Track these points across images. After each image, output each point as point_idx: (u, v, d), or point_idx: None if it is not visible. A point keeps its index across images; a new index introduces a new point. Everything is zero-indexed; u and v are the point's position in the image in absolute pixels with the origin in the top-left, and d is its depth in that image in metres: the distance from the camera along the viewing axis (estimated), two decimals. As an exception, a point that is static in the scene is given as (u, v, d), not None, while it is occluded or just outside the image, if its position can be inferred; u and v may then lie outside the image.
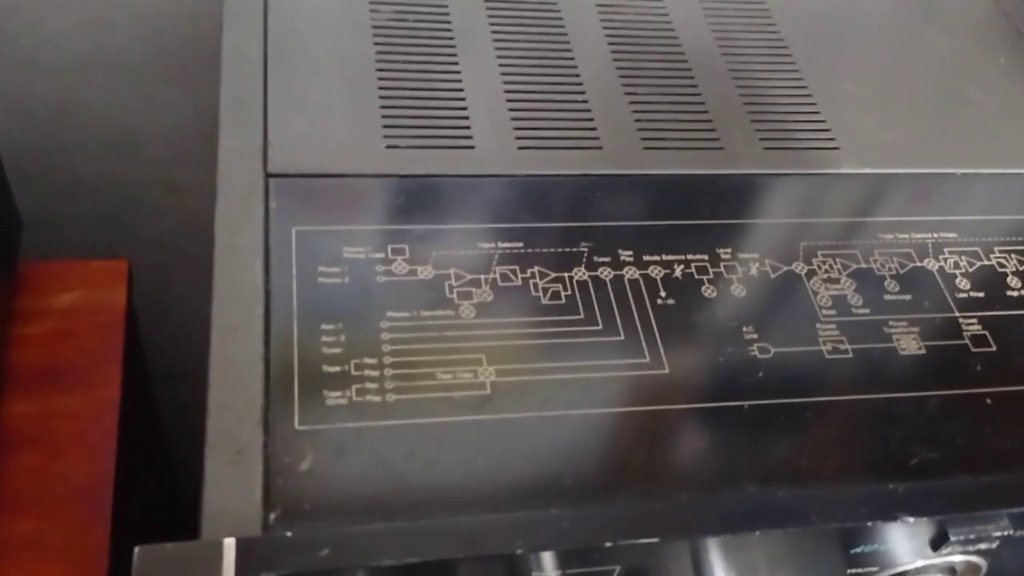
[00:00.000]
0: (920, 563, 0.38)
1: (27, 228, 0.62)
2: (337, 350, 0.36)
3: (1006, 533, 0.36)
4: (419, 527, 0.31)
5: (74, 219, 0.74)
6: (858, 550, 0.36)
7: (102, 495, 0.53)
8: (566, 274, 0.40)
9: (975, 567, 0.39)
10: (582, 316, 0.38)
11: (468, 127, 0.45)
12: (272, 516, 0.31)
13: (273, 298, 0.37)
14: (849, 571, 0.37)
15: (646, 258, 0.41)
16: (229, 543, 0.30)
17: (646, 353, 0.38)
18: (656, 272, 0.40)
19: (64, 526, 0.53)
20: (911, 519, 0.34)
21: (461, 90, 0.46)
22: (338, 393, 0.34)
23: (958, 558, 0.38)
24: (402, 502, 0.32)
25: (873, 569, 0.37)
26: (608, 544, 0.32)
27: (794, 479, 0.35)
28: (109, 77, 0.68)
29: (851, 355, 0.39)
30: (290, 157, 0.42)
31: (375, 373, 0.35)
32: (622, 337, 0.38)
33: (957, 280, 0.42)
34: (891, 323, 0.40)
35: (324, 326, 0.36)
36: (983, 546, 0.37)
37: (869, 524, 0.34)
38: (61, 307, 0.62)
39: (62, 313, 0.62)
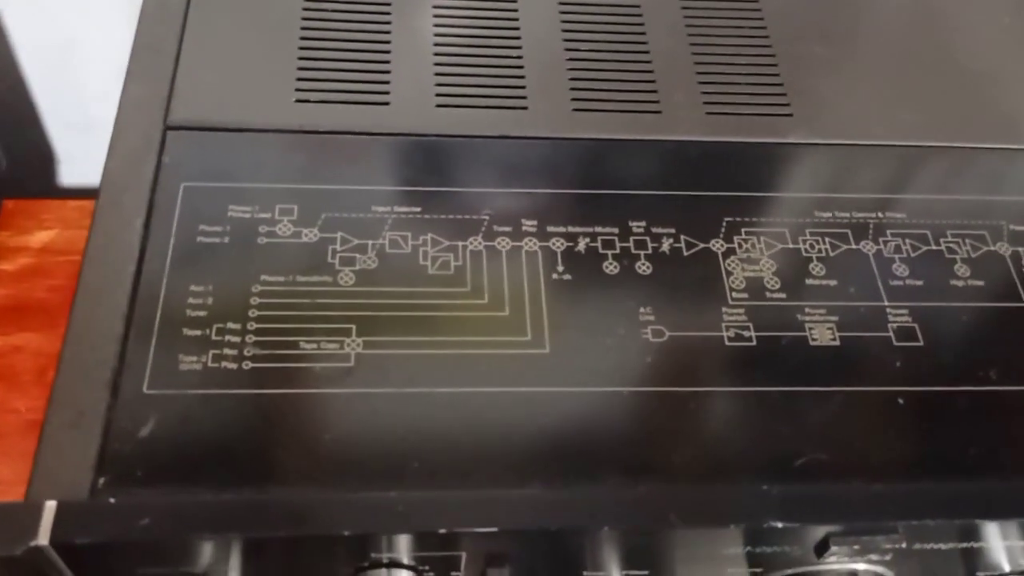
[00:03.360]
0: (813, 568, 0.35)
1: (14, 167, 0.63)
2: (201, 313, 0.35)
3: (899, 545, 0.33)
4: (246, 501, 0.31)
5: (57, 159, 0.75)
6: (734, 551, 0.34)
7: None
8: (460, 243, 0.38)
9: (879, 576, 0.37)
10: (468, 289, 0.37)
11: (387, 82, 0.43)
12: (101, 481, 0.31)
13: (147, 257, 0.36)
14: (729, 570, 0.35)
15: (550, 229, 0.39)
16: (50, 505, 0.30)
17: (528, 331, 0.36)
18: (558, 245, 0.38)
19: (16, 460, 0.54)
20: (779, 524, 0.32)
21: (388, 42, 0.44)
22: (193, 358, 0.34)
23: (861, 566, 0.36)
24: (238, 475, 0.31)
25: (758, 570, 0.35)
26: (442, 531, 0.31)
27: (662, 475, 0.33)
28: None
29: (754, 343, 0.36)
30: (193, 109, 0.41)
31: (236, 339, 0.34)
32: (506, 313, 0.36)
33: (894, 266, 0.39)
34: (807, 310, 0.37)
35: (193, 287, 0.35)
36: (875, 556, 0.34)
37: (732, 528, 0.32)
38: (36, 245, 0.63)
39: (37, 251, 0.63)
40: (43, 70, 0.74)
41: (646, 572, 0.35)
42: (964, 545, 0.35)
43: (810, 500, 0.32)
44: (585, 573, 0.35)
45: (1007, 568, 0.38)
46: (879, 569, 0.36)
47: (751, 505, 0.32)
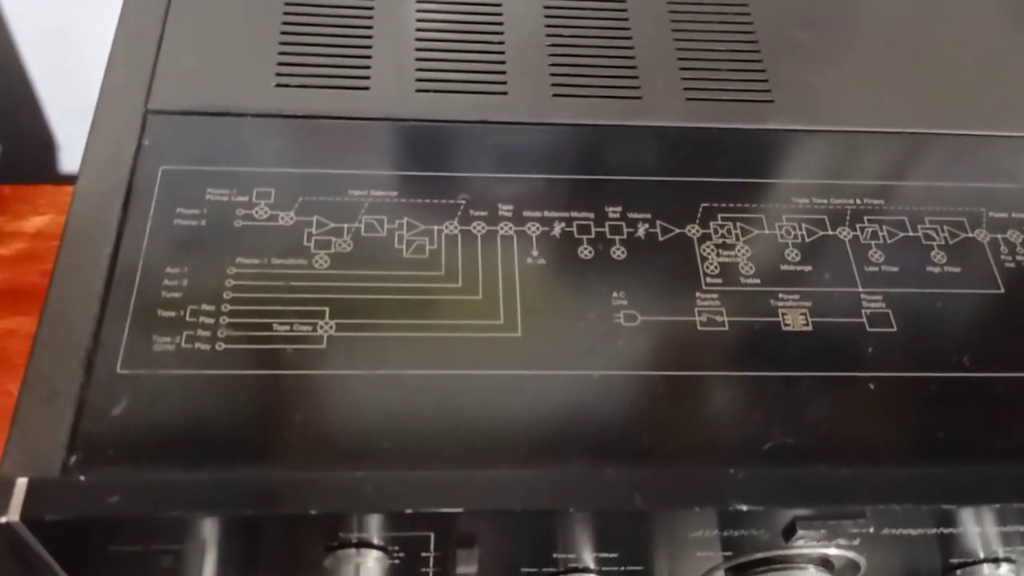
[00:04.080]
0: (782, 552, 0.36)
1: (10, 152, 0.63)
2: (176, 295, 0.35)
3: (866, 530, 0.33)
4: (215, 480, 0.31)
5: (56, 145, 0.76)
6: (701, 534, 0.34)
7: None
8: (436, 227, 0.38)
9: (852, 563, 0.37)
10: (443, 272, 0.37)
11: (368, 67, 0.43)
12: (73, 459, 0.31)
13: (125, 239, 0.36)
14: (698, 553, 0.35)
15: (526, 214, 0.39)
16: (21, 482, 0.30)
17: (501, 315, 0.36)
18: (533, 229, 0.38)
19: (9, 442, 0.55)
20: (744, 508, 0.32)
21: (370, 27, 0.44)
22: (167, 339, 0.34)
23: (832, 551, 0.36)
24: (208, 454, 0.32)
25: (727, 553, 0.35)
26: (408, 511, 0.31)
27: (629, 457, 0.33)
28: None
29: (726, 328, 0.36)
30: (174, 93, 0.41)
31: (210, 320, 0.35)
32: (480, 296, 0.36)
33: (871, 252, 0.39)
34: (781, 296, 0.37)
35: (169, 269, 0.36)
36: (844, 541, 0.35)
37: (697, 510, 0.32)
38: (31, 230, 0.64)
39: (31, 236, 0.63)
40: (40, 55, 0.74)
41: (615, 555, 0.35)
42: (934, 531, 0.35)
43: (776, 484, 0.33)
44: (555, 555, 0.35)
45: (981, 555, 0.38)
46: (850, 554, 0.36)
47: (716, 488, 0.32)
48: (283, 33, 0.44)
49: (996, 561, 0.38)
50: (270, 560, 0.35)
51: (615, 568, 0.36)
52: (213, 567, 0.34)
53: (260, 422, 0.33)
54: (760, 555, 0.36)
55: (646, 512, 0.32)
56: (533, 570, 0.36)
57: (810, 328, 0.37)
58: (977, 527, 0.35)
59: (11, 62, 0.73)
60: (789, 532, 0.33)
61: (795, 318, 0.37)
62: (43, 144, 0.75)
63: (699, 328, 0.36)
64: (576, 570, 0.36)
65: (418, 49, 0.44)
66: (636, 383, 0.35)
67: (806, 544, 0.34)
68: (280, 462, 0.32)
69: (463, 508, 0.31)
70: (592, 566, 0.36)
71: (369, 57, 0.43)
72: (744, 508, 0.32)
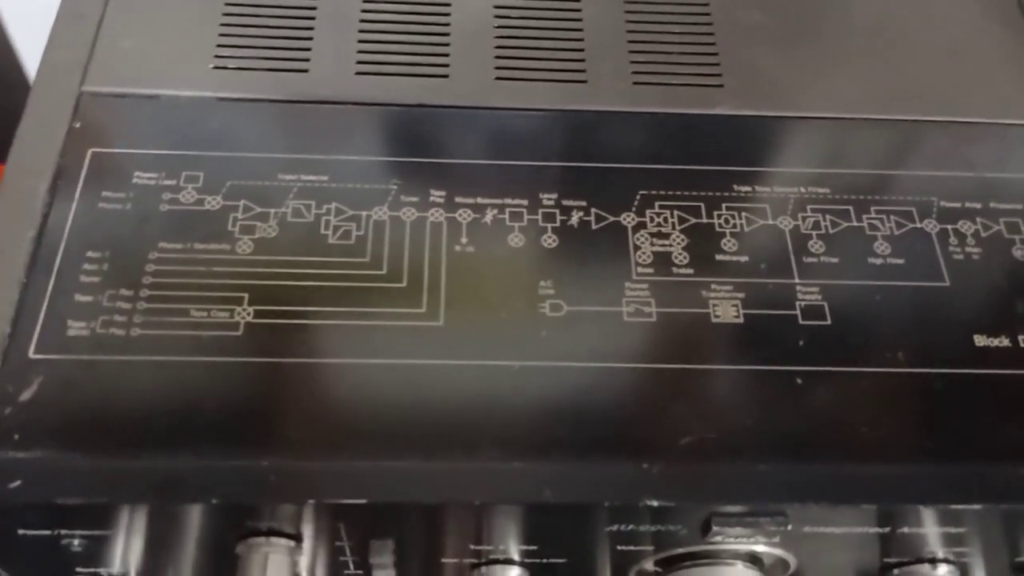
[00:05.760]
0: (706, 548, 0.35)
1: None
2: (95, 279, 0.35)
3: (784, 528, 0.33)
4: (117, 467, 0.31)
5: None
6: (618, 528, 0.33)
7: None
8: (365, 213, 0.38)
9: (782, 561, 0.36)
10: (368, 259, 0.36)
11: (308, 48, 0.42)
12: (-22, 444, 0.31)
13: (49, 222, 0.36)
14: (618, 547, 0.35)
15: (458, 200, 0.38)
16: (-74, 463, 0.30)
17: (424, 303, 0.35)
18: (464, 216, 0.38)
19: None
20: (655, 503, 0.31)
21: (313, 8, 0.44)
22: (82, 324, 0.34)
23: (761, 548, 0.36)
24: (114, 441, 0.32)
25: (648, 548, 0.35)
26: (311, 502, 0.31)
27: (542, 450, 0.32)
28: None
29: (654, 319, 0.36)
30: (110, 75, 0.41)
31: (127, 306, 0.34)
32: (404, 284, 0.36)
33: (811, 242, 0.38)
34: (714, 286, 0.37)
35: (90, 254, 0.35)
36: (764, 538, 0.34)
37: (607, 504, 0.31)
38: None
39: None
40: (29, 37, 0.75)
41: (535, 547, 0.35)
42: (861, 530, 0.34)
43: (689, 479, 0.32)
44: (472, 546, 0.35)
45: (917, 555, 0.37)
46: (779, 552, 0.36)
47: (628, 483, 0.32)
48: (225, 15, 0.43)
49: (934, 562, 0.37)
50: (184, 547, 0.34)
51: (537, 560, 0.35)
52: (125, 553, 0.34)
53: (168, 409, 0.32)
54: (686, 549, 0.35)
55: (556, 506, 0.32)
56: (454, 560, 0.36)
57: (741, 320, 0.36)
58: (905, 527, 0.34)
59: (1, 44, 0.73)
60: (705, 529, 0.33)
61: (726, 310, 0.36)
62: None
63: (625, 319, 0.36)
64: (498, 561, 0.35)
65: (362, 31, 0.43)
66: (556, 375, 0.34)
67: (724, 540, 0.34)
68: (186, 450, 0.32)
69: (367, 500, 0.31)
70: (516, 557, 0.36)
71: (311, 39, 0.43)
72: (655, 504, 0.31)
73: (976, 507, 0.32)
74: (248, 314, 0.35)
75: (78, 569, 0.35)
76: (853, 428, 0.33)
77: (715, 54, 0.44)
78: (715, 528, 0.32)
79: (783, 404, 0.34)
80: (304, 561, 0.35)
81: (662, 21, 0.45)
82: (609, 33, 0.44)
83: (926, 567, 0.37)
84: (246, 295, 0.35)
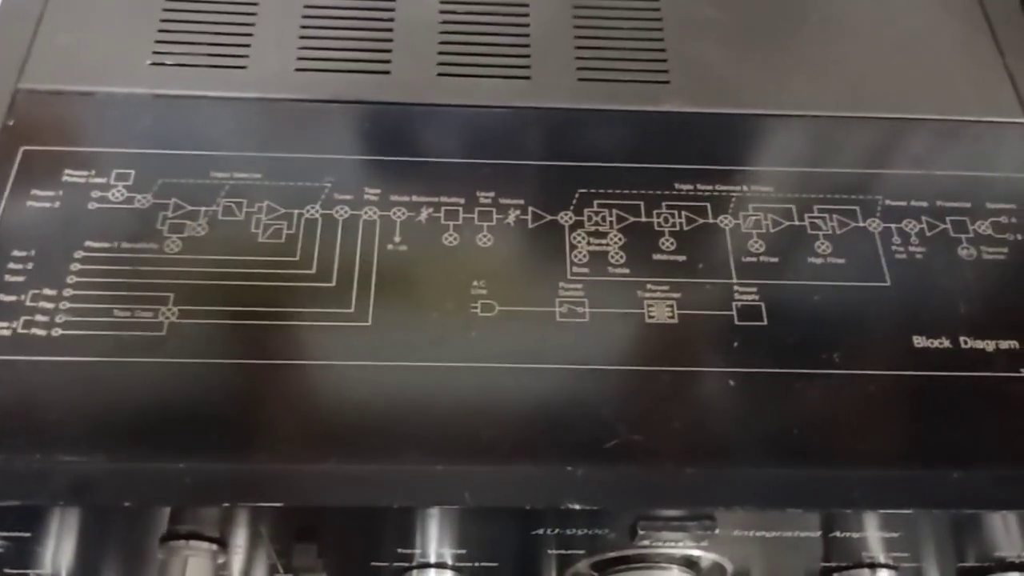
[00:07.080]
0: (638, 552, 0.34)
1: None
2: (19, 279, 0.34)
3: (711, 532, 0.32)
4: (31, 469, 0.30)
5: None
6: (544, 531, 0.33)
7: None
8: (296, 211, 0.37)
9: (719, 566, 0.36)
10: (297, 258, 0.36)
11: (247, 45, 0.42)
12: None
13: (-24, 221, 0.36)
14: (548, 551, 0.34)
15: (393, 198, 0.38)
16: None
17: (353, 303, 0.35)
18: (398, 214, 0.37)
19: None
20: (577, 507, 0.31)
21: (255, 3, 0.43)
22: (4, 324, 0.33)
23: (696, 552, 0.35)
24: (30, 442, 0.31)
25: (579, 551, 0.34)
26: (225, 504, 0.30)
27: (465, 453, 0.32)
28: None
29: (587, 319, 0.35)
30: (47, 71, 0.40)
31: (50, 306, 0.34)
32: (333, 284, 0.35)
33: (751, 242, 0.37)
34: (649, 287, 0.36)
35: (15, 252, 0.35)
36: (692, 542, 0.33)
37: (528, 508, 0.31)
38: None
39: None
40: None
41: (463, 551, 0.34)
42: (794, 535, 0.34)
43: (612, 483, 0.31)
44: (399, 550, 0.34)
45: (856, 560, 0.36)
46: (714, 556, 0.35)
47: (550, 486, 0.31)
48: (165, 10, 0.43)
49: (873, 567, 0.36)
50: (110, 550, 0.34)
51: (468, 564, 0.35)
52: (54, 555, 0.34)
53: (86, 411, 0.32)
54: (619, 553, 0.35)
55: (478, 510, 0.31)
56: (383, 564, 0.35)
57: (675, 321, 0.35)
58: (839, 531, 0.33)
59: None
60: (632, 533, 0.32)
61: (660, 310, 0.35)
62: None
63: (558, 319, 0.35)
64: (428, 565, 0.35)
65: (303, 27, 0.43)
66: (484, 376, 0.34)
67: (652, 544, 0.33)
68: (100, 452, 0.31)
69: (283, 503, 0.30)
70: (448, 561, 0.35)
71: (250, 35, 0.42)
72: (577, 507, 0.31)
73: (908, 511, 0.32)
74: (172, 314, 0.34)
75: (6, 570, 0.35)
76: (784, 430, 0.33)
77: (663, 51, 0.43)
78: (641, 532, 0.32)
79: (714, 406, 0.33)
80: (237, 564, 0.35)
81: (611, 17, 0.44)
82: (556, 29, 0.44)
83: (865, 572, 0.36)
84: (172, 295, 0.34)
